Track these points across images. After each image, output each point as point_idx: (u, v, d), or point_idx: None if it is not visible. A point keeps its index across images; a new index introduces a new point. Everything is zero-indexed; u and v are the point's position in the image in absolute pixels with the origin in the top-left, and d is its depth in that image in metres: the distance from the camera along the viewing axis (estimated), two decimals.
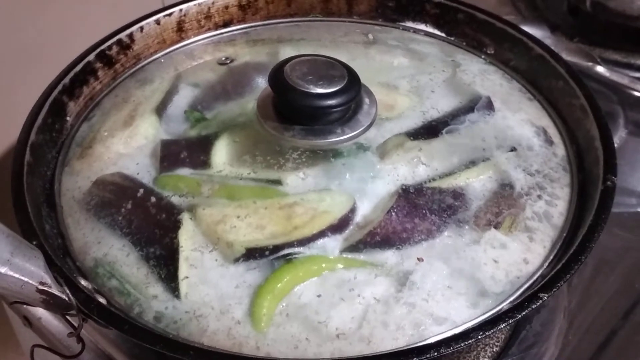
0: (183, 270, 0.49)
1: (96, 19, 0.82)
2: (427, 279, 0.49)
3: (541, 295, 0.46)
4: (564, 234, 0.53)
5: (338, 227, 0.51)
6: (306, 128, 0.55)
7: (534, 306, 0.45)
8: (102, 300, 0.48)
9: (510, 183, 0.55)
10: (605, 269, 0.68)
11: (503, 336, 0.60)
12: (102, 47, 0.67)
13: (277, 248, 0.49)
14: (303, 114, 0.55)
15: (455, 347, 0.44)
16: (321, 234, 0.50)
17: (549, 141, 0.60)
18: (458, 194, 0.53)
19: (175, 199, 0.53)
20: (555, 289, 0.46)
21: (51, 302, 0.46)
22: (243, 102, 0.62)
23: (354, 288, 0.48)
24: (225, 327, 0.47)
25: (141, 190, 0.54)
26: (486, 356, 0.59)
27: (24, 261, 0.44)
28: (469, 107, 0.61)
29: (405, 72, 0.65)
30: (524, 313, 0.45)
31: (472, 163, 0.56)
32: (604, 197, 0.52)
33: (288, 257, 0.49)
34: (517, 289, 0.49)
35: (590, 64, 0.87)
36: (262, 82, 0.63)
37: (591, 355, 0.61)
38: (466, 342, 0.44)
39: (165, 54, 0.72)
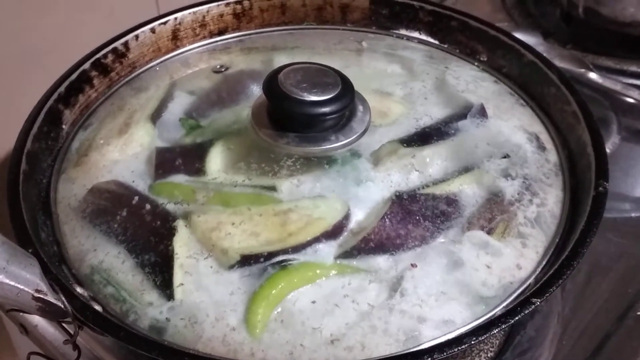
0: (178, 277, 0.49)
1: (92, 27, 0.82)
2: (420, 285, 0.49)
3: (534, 300, 0.46)
4: (557, 240, 0.53)
5: (332, 233, 0.51)
6: (300, 135, 0.55)
7: (526, 311, 0.46)
8: (97, 307, 0.48)
9: (503, 189, 0.55)
10: (599, 274, 0.69)
11: (497, 341, 0.60)
12: (98, 56, 0.67)
13: (271, 255, 0.49)
14: (297, 121, 0.55)
15: (448, 352, 0.44)
16: (315, 240, 0.50)
17: (542, 147, 0.60)
18: (451, 200, 0.54)
19: (170, 206, 0.53)
20: (547, 294, 0.47)
21: (47, 310, 0.46)
22: (238, 109, 0.62)
23: (348, 294, 0.48)
24: (220, 334, 0.47)
25: (136, 198, 0.54)
26: None
27: (19, 269, 0.44)
28: (462, 114, 0.61)
29: (399, 79, 0.66)
30: (516, 318, 0.45)
31: (465, 169, 0.56)
32: (596, 203, 0.52)
33: (283, 264, 0.49)
34: (510, 295, 0.49)
35: (583, 70, 0.88)
36: (256, 90, 0.64)
37: None
38: (459, 348, 0.44)
39: (161, 62, 0.72)
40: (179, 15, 0.73)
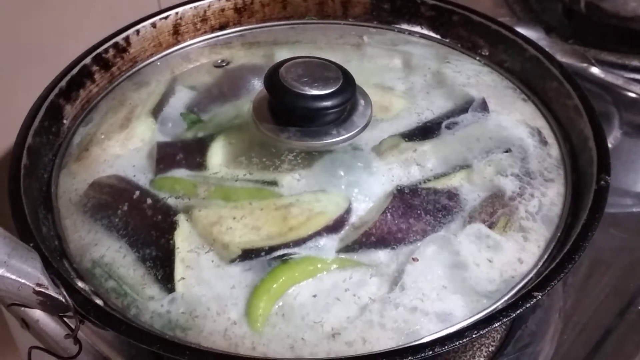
0: (179, 271, 0.49)
1: (93, 22, 0.82)
2: (421, 279, 0.49)
3: (535, 294, 0.46)
4: (558, 234, 0.53)
5: (333, 227, 0.51)
6: (302, 129, 0.55)
7: (527, 305, 0.46)
8: (99, 301, 0.48)
9: (504, 183, 0.55)
10: (601, 269, 0.69)
11: (499, 336, 0.61)
12: (99, 51, 0.67)
13: (272, 249, 0.49)
14: (298, 115, 0.55)
15: (449, 346, 0.44)
16: (317, 234, 0.50)
17: (544, 142, 0.60)
18: (452, 195, 0.54)
19: (171, 201, 0.53)
20: (549, 288, 0.47)
21: (48, 304, 0.46)
22: (239, 104, 0.62)
23: (349, 288, 0.48)
24: (222, 328, 0.47)
25: (137, 192, 0.54)
26: (482, 356, 0.59)
27: (20, 263, 0.44)
28: (464, 108, 0.61)
29: (400, 74, 0.66)
30: (518, 312, 0.45)
31: (467, 164, 0.56)
32: (597, 197, 0.52)
33: (284, 258, 0.49)
34: (512, 289, 0.49)
35: (585, 65, 0.88)
36: (257, 84, 0.63)
37: (586, 355, 0.61)
38: (461, 341, 0.44)
39: (162, 57, 0.72)
40: (180, 10, 0.73)
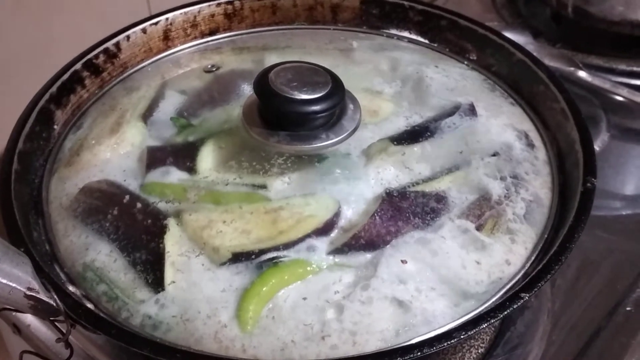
0: (169, 275, 0.50)
1: (83, 28, 0.83)
2: (410, 281, 0.49)
3: (522, 295, 0.47)
4: (545, 236, 0.54)
5: (323, 230, 0.51)
6: (291, 134, 0.56)
7: (515, 306, 0.46)
8: (89, 305, 0.49)
9: (492, 186, 0.55)
10: (589, 271, 0.69)
11: (488, 337, 0.61)
12: (89, 56, 0.67)
13: (262, 252, 0.50)
14: (288, 119, 0.56)
15: (438, 347, 0.44)
16: (306, 237, 0.51)
17: (531, 145, 0.61)
18: (441, 198, 0.54)
19: (161, 205, 0.54)
20: (536, 289, 0.47)
21: (39, 308, 0.46)
22: (229, 108, 0.62)
23: (338, 290, 0.49)
24: (212, 331, 0.47)
25: (127, 197, 0.55)
26: (471, 357, 0.60)
27: (11, 267, 0.44)
28: (452, 112, 0.61)
29: (389, 78, 0.66)
30: (505, 313, 0.46)
31: (455, 167, 0.57)
32: (583, 199, 0.53)
33: (274, 261, 0.49)
34: (499, 290, 0.50)
35: (572, 69, 0.89)
36: (247, 89, 0.64)
37: (574, 356, 0.61)
38: (449, 342, 0.45)
39: (152, 62, 0.72)
40: (170, 15, 0.73)
